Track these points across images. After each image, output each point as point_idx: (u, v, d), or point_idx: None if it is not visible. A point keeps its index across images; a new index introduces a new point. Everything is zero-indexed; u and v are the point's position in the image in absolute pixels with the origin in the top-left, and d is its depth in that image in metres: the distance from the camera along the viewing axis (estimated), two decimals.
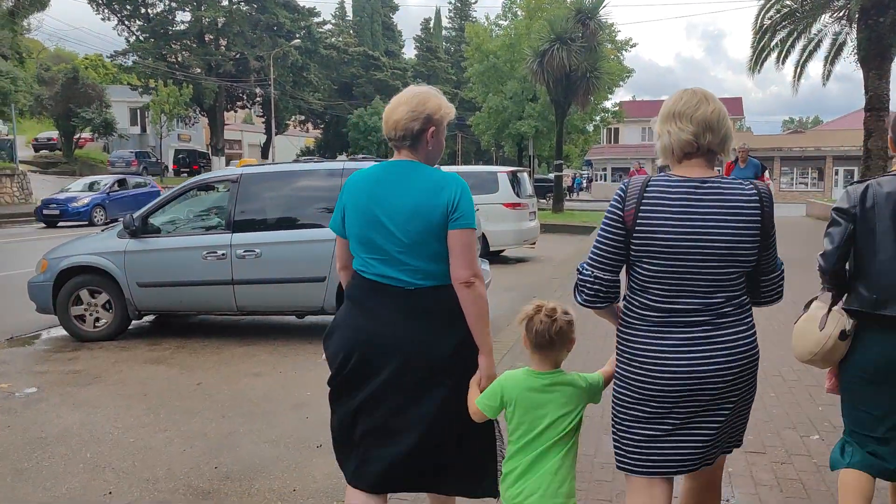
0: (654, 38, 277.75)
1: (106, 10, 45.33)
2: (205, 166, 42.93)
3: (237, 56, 47.32)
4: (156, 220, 7.08)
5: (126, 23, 46.35)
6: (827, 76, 25.03)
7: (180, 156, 44.01)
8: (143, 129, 48.13)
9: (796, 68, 25.02)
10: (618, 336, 2.26)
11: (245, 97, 52.58)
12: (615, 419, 2.25)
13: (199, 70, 46.37)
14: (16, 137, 34.10)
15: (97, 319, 7.01)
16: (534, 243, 13.69)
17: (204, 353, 6.51)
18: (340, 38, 61.22)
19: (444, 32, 72.83)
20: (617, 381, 2.25)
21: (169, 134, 42.96)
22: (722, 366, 2.10)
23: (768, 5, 22.77)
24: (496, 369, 2.42)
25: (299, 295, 6.72)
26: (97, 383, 5.60)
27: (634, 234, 2.11)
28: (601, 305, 2.22)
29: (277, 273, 6.64)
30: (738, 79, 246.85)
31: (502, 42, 32.98)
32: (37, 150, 45.00)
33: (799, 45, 24.30)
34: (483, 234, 10.86)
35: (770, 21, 23.42)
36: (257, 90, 49.83)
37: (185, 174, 39.99)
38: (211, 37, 47.57)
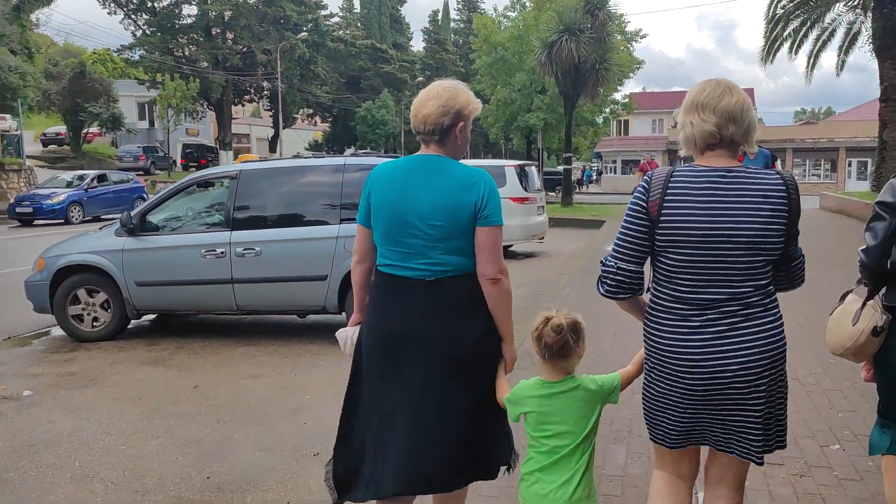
0: (664, 28, 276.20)
1: (112, 4, 45.24)
2: (213, 161, 42.85)
3: (244, 49, 47.17)
4: (154, 218, 6.93)
5: (132, 17, 46.26)
6: (841, 66, 24.68)
7: (188, 150, 43.96)
8: (151, 124, 48.07)
9: (809, 58, 24.66)
10: (644, 328, 2.27)
11: (252, 91, 52.50)
12: (645, 407, 2.31)
13: (205, 64, 46.30)
14: (22, 132, 34.13)
15: (95, 319, 6.88)
16: (542, 238, 13.50)
17: (203, 354, 6.36)
18: (348, 31, 60.95)
19: (452, 24, 72.40)
20: (646, 374, 2.29)
21: (177, 128, 42.87)
22: (750, 356, 2.09)
23: None
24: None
25: (300, 294, 6.56)
26: (92, 386, 5.46)
27: (660, 225, 2.11)
28: (624, 296, 2.24)
29: (277, 271, 6.48)
30: (750, 69, 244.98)
31: (510, 34, 32.65)
32: (45, 145, 45.05)
33: (812, 35, 23.94)
34: None
35: (783, 10, 23.07)
36: (264, 84, 49.73)
37: (193, 168, 39.86)
38: (218, 30, 47.47)
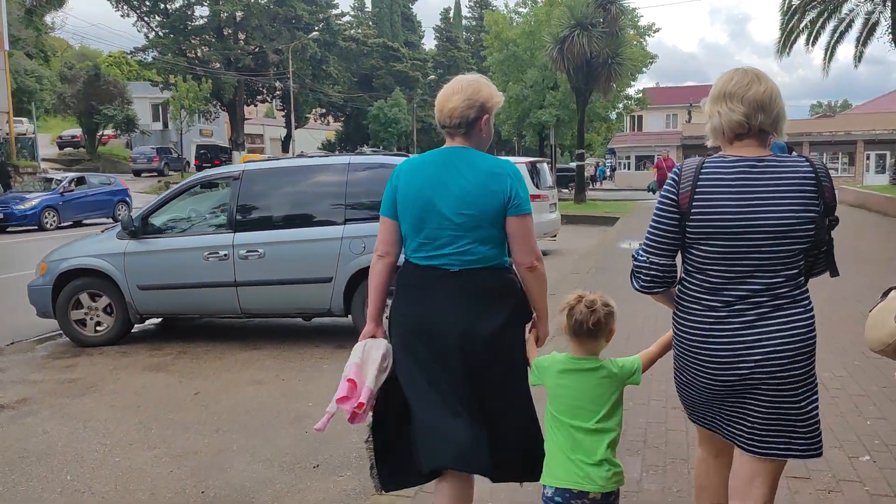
0: (677, 22, 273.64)
1: (125, 7, 45.43)
2: (226, 161, 42.82)
3: (256, 50, 47.19)
4: (156, 220, 6.79)
5: (145, 19, 46.45)
6: (859, 57, 24.23)
7: (202, 151, 43.94)
8: (165, 125, 48.22)
9: (826, 50, 24.23)
10: (673, 315, 2.26)
11: (265, 91, 52.51)
12: (675, 383, 2.33)
13: (218, 65, 46.38)
14: (37, 135, 34.29)
15: (98, 324, 6.76)
16: (555, 236, 13.27)
17: (206, 359, 6.22)
18: (359, 30, 60.82)
19: (464, 22, 72.10)
20: (674, 359, 2.29)
21: (190, 129, 42.98)
22: (775, 347, 2.06)
23: None
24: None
25: (305, 296, 6.40)
26: (91, 393, 5.33)
27: (691, 217, 2.10)
28: (659, 290, 2.24)
29: (281, 274, 6.32)
30: (764, 63, 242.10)
31: (522, 30, 32.40)
32: (61, 147, 45.32)
33: (829, 26, 23.51)
34: None
35: (799, 1, 22.66)
36: (277, 84, 49.73)
37: (207, 169, 39.94)
38: (229, 31, 47.53)
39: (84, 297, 6.71)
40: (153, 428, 4.54)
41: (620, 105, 36.54)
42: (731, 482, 2.25)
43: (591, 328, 2.23)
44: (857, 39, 23.77)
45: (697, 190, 2.09)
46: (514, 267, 2.50)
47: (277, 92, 51.92)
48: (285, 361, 6.07)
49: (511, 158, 13.75)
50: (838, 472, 3.35)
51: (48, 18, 47.06)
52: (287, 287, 6.35)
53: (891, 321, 2.23)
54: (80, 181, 21.61)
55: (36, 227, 19.09)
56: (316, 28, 49.60)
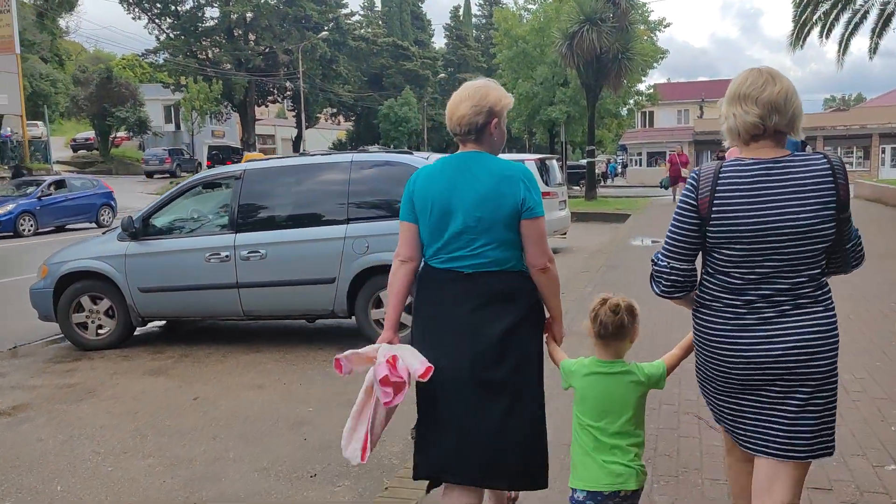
0: (688, 17, 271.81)
1: (136, 10, 45.62)
2: (238, 162, 42.95)
3: (266, 50, 47.23)
4: (157, 222, 6.69)
5: (156, 21, 46.61)
6: (874, 49, 23.77)
7: (214, 152, 43.99)
8: (177, 127, 48.40)
9: (840, 42, 23.83)
10: (694, 319, 2.26)
11: (275, 91, 52.56)
12: (702, 392, 2.32)
13: (228, 66, 46.46)
14: (50, 138, 34.48)
15: (99, 327, 6.66)
16: (564, 233, 13.10)
17: (208, 363, 6.10)
18: (369, 29, 60.74)
19: (473, 20, 71.86)
20: (695, 355, 2.29)
21: (201, 130, 43.08)
22: (794, 343, 2.04)
23: None
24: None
25: (308, 298, 6.27)
26: (89, 399, 5.22)
27: (711, 221, 2.10)
28: (679, 295, 2.25)
29: (284, 275, 6.19)
30: (776, 57, 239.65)
31: (531, 26, 32.10)
32: (75, 150, 45.61)
33: (843, 18, 23.13)
34: None
35: None
36: (287, 84, 49.73)
37: None
38: (240, 32, 47.60)
39: (85, 301, 6.62)
40: (149, 435, 4.43)
41: (631, 101, 36.11)
42: (753, 484, 2.22)
43: (615, 331, 2.27)
44: (872, 31, 23.34)
45: (716, 195, 2.09)
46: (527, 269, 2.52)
47: (288, 92, 51.94)
48: (287, 364, 5.94)
49: (520, 156, 13.65)
50: (862, 482, 3.16)
51: (62, 22, 47.34)
52: (289, 288, 6.22)
53: None
54: (59, 184, 20.37)
55: (11, 234, 17.93)
56: (326, 28, 49.57)
